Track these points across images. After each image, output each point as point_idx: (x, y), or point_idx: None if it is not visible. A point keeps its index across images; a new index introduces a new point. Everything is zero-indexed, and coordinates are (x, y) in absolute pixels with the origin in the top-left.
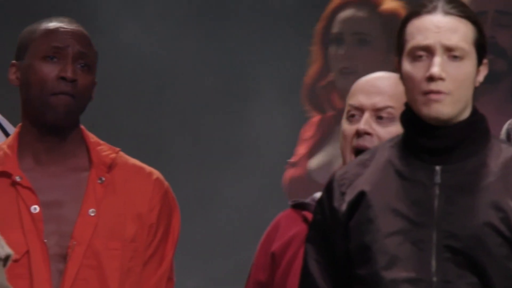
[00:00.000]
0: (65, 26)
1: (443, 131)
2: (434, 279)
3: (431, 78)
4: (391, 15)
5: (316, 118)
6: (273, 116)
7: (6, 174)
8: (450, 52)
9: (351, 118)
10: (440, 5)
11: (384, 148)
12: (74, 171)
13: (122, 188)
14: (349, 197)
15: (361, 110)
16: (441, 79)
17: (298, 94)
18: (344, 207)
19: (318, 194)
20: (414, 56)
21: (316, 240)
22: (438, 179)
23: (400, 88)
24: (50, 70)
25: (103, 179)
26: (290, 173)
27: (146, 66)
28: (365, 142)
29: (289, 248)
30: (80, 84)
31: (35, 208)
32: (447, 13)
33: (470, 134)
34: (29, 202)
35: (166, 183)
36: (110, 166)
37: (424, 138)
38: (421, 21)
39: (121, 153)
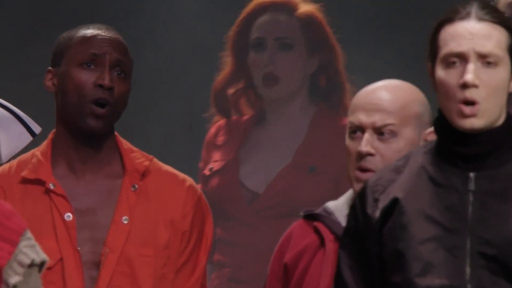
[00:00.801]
0: (103, 34)
1: (477, 138)
2: (468, 286)
3: (464, 85)
4: (309, 18)
5: (222, 122)
6: None
7: (39, 182)
8: (484, 58)
9: (353, 134)
10: (474, 11)
11: (418, 154)
12: (108, 178)
13: (155, 195)
14: (382, 203)
15: (361, 128)
16: (474, 86)
17: None
18: (377, 213)
19: (330, 205)
20: (448, 63)
21: (349, 246)
22: (472, 185)
23: (400, 100)
24: (87, 77)
25: (136, 186)
26: (217, 180)
27: None
28: (367, 163)
29: (301, 259)
30: (117, 92)
31: (69, 216)
32: (480, 19)
33: (504, 140)
34: (62, 210)
35: (199, 190)
36: (144, 174)
37: (458, 145)
38: (455, 27)
39: (155, 160)
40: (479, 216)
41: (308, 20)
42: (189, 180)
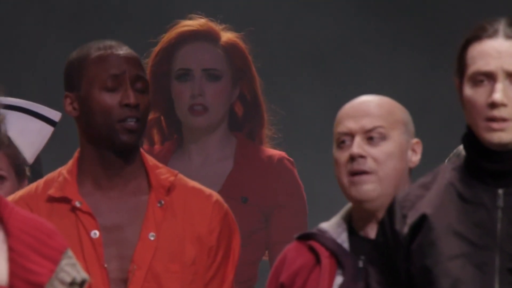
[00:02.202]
0: (117, 52)
1: (506, 155)
2: None
3: (493, 105)
4: (233, 47)
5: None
6: None
7: (66, 200)
8: None
9: (342, 144)
10: (501, 28)
11: (446, 170)
12: (134, 195)
13: (181, 211)
14: (410, 219)
15: (350, 135)
16: (503, 105)
17: None
18: (405, 229)
19: (324, 225)
20: (475, 81)
21: (378, 262)
22: (500, 202)
23: (386, 107)
24: (112, 99)
25: (163, 202)
26: None
27: None
28: (360, 165)
29: (297, 278)
30: (141, 107)
31: (95, 233)
32: (508, 37)
33: None
34: (89, 227)
35: (225, 205)
36: (169, 189)
37: (487, 161)
38: (482, 45)
39: (180, 176)
40: (508, 233)
41: (233, 49)
42: (215, 195)
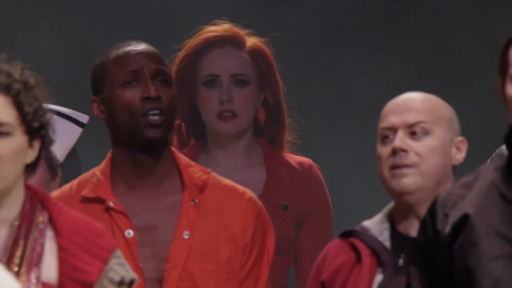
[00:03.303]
0: (135, 48)
1: None
2: None
3: None
4: (258, 53)
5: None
6: None
7: (99, 200)
8: None
9: (385, 140)
10: None
11: (488, 170)
12: (167, 194)
13: (215, 209)
14: (452, 219)
15: (394, 130)
16: None
17: None
18: (447, 229)
19: (366, 223)
20: None
21: (419, 262)
22: None
23: (430, 103)
24: (133, 94)
25: (196, 201)
26: None
27: None
28: (402, 159)
29: (338, 276)
30: (164, 100)
31: (129, 233)
32: None
33: None
34: (123, 227)
35: (259, 202)
36: (202, 188)
37: None
38: None
39: (213, 174)
40: None
41: (258, 54)
42: (249, 192)
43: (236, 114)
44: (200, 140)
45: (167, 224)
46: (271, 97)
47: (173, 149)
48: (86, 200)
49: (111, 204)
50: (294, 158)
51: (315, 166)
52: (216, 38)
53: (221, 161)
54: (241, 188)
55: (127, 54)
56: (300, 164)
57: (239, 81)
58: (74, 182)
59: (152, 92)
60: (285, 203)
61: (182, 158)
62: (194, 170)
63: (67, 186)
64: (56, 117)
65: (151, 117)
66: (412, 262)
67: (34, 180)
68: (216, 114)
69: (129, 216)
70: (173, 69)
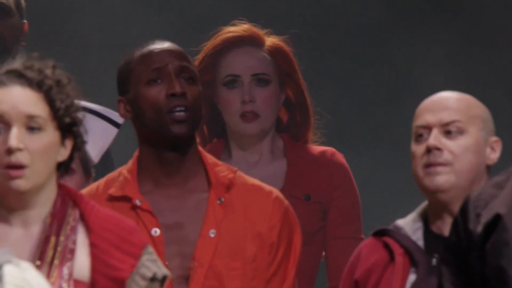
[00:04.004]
0: (158, 47)
1: None
2: None
3: None
4: (278, 51)
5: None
6: None
7: (126, 198)
8: None
9: (419, 138)
10: None
11: None
12: (193, 193)
13: (241, 208)
14: (484, 218)
15: (428, 128)
16: None
17: None
18: (479, 228)
19: (400, 221)
20: None
21: (451, 262)
22: None
23: (464, 102)
24: (158, 92)
25: (222, 199)
26: None
27: None
28: (436, 157)
29: (371, 275)
30: (190, 96)
31: (156, 231)
32: None
33: None
34: (149, 226)
35: (286, 201)
36: (229, 186)
37: None
38: None
39: (239, 173)
40: None
41: (278, 53)
42: (276, 191)
43: (258, 115)
44: (222, 137)
45: (194, 223)
46: (293, 95)
47: (200, 148)
48: (113, 198)
49: (137, 202)
50: (317, 148)
51: (339, 154)
52: (235, 38)
53: (243, 157)
54: (267, 187)
55: (151, 53)
56: (322, 152)
57: (260, 80)
58: (101, 181)
59: (177, 89)
60: (307, 194)
61: (209, 157)
62: (221, 169)
63: (94, 185)
64: (92, 116)
65: (176, 113)
66: (444, 262)
67: (71, 185)
68: (239, 115)
69: (155, 214)
70: None
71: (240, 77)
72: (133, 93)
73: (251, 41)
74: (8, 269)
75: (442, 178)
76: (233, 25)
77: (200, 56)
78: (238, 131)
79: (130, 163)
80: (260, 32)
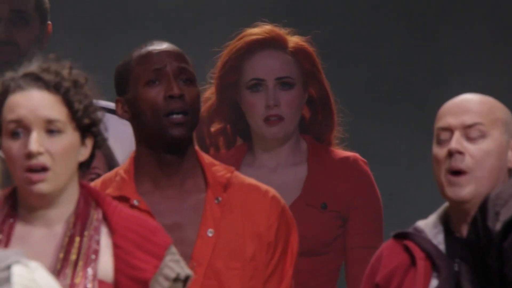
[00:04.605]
0: (157, 48)
1: None
2: None
3: None
4: (301, 52)
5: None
6: None
7: (124, 198)
8: None
9: (441, 141)
10: None
11: None
12: (191, 193)
13: (239, 207)
14: (503, 217)
15: (450, 130)
16: None
17: None
18: (498, 227)
19: (421, 224)
20: None
21: (470, 260)
22: None
23: (487, 105)
24: (156, 93)
25: (220, 199)
26: None
27: None
28: (457, 162)
29: (393, 279)
30: (188, 98)
31: None
32: None
33: None
34: None
35: (282, 200)
36: (226, 186)
37: None
38: None
39: (236, 173)
40: None
41: (301, 54)
42: (272, 191)
43: (282, 118)
44: (247, 140)
45: (192, 223)
46: (316, 94)
47: (197, 148)
48: None
49: (135, 202)
50: (340, 154)
51: (361, 160)
52: (259, 41)
53: (265, 161)
54: (264, 186)
55: (149, 54)
56: (344, 159)
57: (285, 84)
58: (97, 182)
59: (175, 91)
60: (324, 203)
61: (206, 157)
62: (218, 168)
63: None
64: (119, 121)
65: (174, 116)
66: (462, 260)
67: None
68: (263, 118)
69: (153, 214)
70: (215, 72)
71: (264, 80)
72: (132, 94)
73: (274, 44)
74: (16, 270)
75: (464, 190)
76: (255, 26)
77: (223, 58)
78: (262, 134)
79: (127, 163)
80: (282, 33)
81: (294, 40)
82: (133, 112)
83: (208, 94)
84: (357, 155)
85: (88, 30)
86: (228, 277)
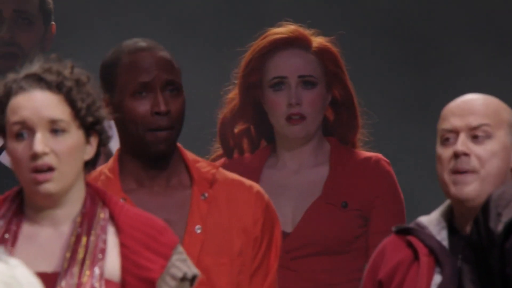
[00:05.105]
0: (146, 57)
1: None
2: None
3: None
4: (325, 52)
5: (223, 161)
6: None
7: None
8: None
9: (445, 142)
10: None
11: None
12: (177, 190)
13: (225, 203)
14: (506, 217)
15: (455, 132)
16: None
17: None
18: (500, 227)
19: (423, 219)
20: None
21: (472, 260)
22: None
23: (492, 106)
24: (142, 107)
25: (206, 195)
26: None
27: None
28: (463, 164)
29: (395, 275)
30: (174, 111)
31: None
32: None
33: None
34: None
35: (266, 195)
36: (212, 182)
37: None
38: None
39: (221, 169)
40: None
41: (325, 54)
42: (256, 186)
43: (304, 117)
44: (271, 142)
45: (179, 219)
46: (340, 96)
47: (179, 145)
48: None
49: (121, 200)
50: (362, 154)
51: (384, 160)
52: (282, 40)
53: (287, 161)
54: (248, 181)
55: (138, 63)
56: (367, 159)
57: (307, 82)
58: None
59: (162, 107)
60: (344, 201)
61: (189, 154)
62: (202, 164)
63: None
64: None
65: (158, 133)
66: (464, 260)
67: None
68: (285, 117)
69: None
70: (238, 72)
71: (286, 78)
72: (117, 99)
73: (298, 43)
74: None
75: (469, 188)
76: (280, 26)
77: (246, 58)
78: (284, 133)
79: (111, 162)
80: (306, 33)
81: (318, 41)
82: (117, 117)
83: (232, 95)
84: (380, 155)
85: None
86: (217, 273)
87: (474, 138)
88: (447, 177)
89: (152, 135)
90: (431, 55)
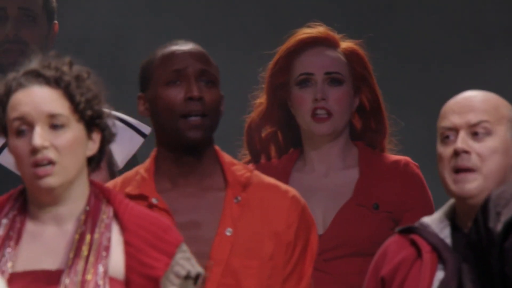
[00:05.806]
0: (181, 48)
1: None
2: None
3: None
4: (353, 54)
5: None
6: None
7: (143, 197)
8: None
9: (446, 140)
10: None
11: None
12: (210, 192)
13: (258, 206)
14: (505, 217)
15: (455, 130)
16: None
17: None
18: (499, 227)
19: (426, 219)
20: None
21: (471, 259)
22: None
23: (491, 102)
24: (176, 94)
25: (239, 198)
26: None
27: None
28: (464, 161)
29: (398, 272)
30: (207, 101)
31: None
32: None
33: None
34: None
35: (302, 200)
36: (245, 185)
37: None
38: None
39: (256, 172)
40: None
41: (353, 56)
42: (292, 190)
43: (330, 114)
44: (298, 147)
45: (210, 221)
46: (368, 101)
47: (216, 147)
48: (129, 197)
49: (154, 201)
50: (391, 158)
51: (413, 164)
52: (310, 39)
53: (315, 164)
54: (284, 186)
55: (172, 54)
56: (396, 162)
57: (334, 79)
58: (118, 180)
59: (195, 92)
60: (375, 203)
61: (226, 156)
62: (238, 168)
63: (111, 184)
64: (120, 125)
65: (192, 118)
66: (464, 259)
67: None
68: (310, 113)
69: (172, 213)
70: (267, 73)
71: (313, 75)
72: (152, 92)
73: (325, 42)
74: None
75: (471, 185)
76: (308, 27)
77: (274, 59)
78: (310, 131)
79: (147, 162)
80: (335, 34)
81: (346, 43)
82: (152, 110)
83: (260, 100)
84: (408, 158)
85: None
86: (245, 276)
87: (474, 135)
88: (448, 175)
89: (184, 122)
90: (430, 54)
